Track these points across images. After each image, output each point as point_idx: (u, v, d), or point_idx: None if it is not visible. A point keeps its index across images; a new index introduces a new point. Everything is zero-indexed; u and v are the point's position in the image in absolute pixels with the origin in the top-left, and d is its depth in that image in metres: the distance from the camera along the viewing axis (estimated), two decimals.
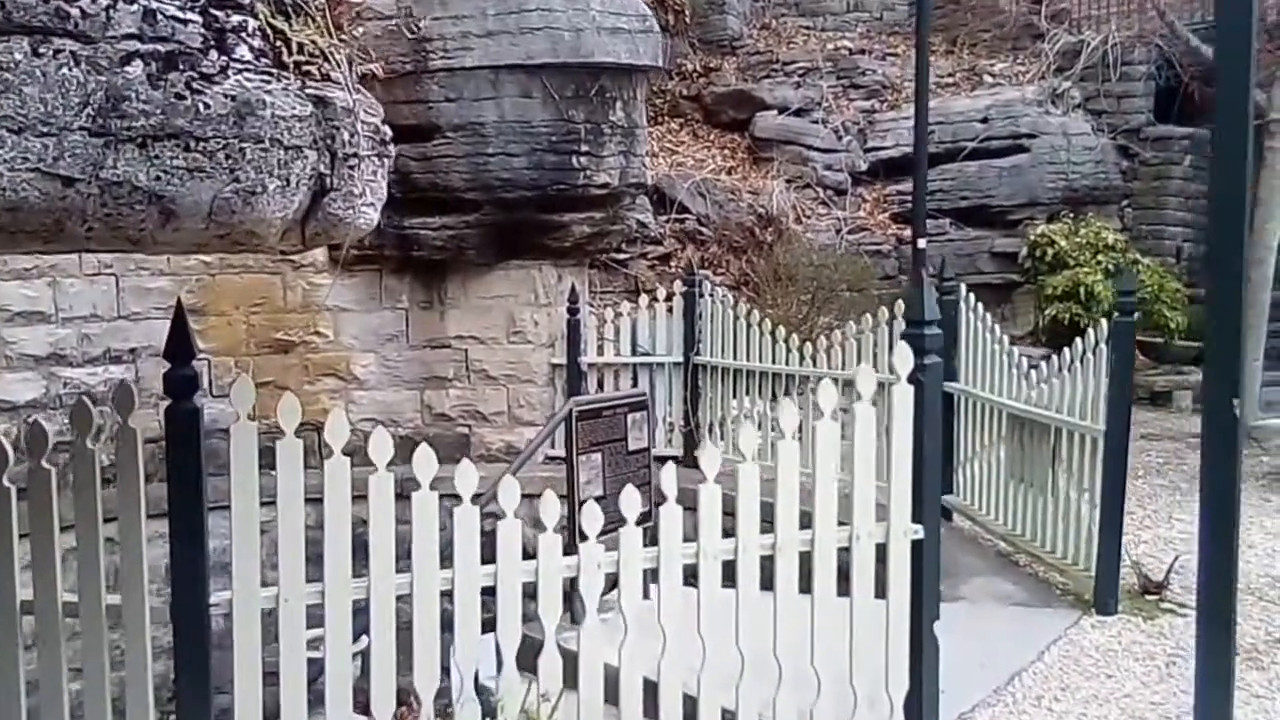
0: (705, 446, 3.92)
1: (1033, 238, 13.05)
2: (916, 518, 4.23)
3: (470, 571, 3.68)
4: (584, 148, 8.69)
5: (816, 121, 14.37)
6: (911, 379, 4.18)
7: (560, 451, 7.89)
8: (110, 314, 8.29)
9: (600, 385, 9.58)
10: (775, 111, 14.16)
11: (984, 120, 14.26)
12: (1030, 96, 14.65)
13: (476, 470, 3.67)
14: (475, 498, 3.66)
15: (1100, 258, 12.62)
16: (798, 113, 14.29)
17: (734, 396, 9.19)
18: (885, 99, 15.23)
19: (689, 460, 9.40)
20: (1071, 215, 13.50)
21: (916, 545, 4.23)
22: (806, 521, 4.08)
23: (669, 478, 3.84)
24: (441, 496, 3.62)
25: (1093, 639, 5.81)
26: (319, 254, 9.05)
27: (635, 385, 9.49)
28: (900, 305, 8.12)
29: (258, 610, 3.45)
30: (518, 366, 9.55)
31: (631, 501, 3.82)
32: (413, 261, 9.15)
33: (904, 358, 4.18)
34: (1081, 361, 6.39)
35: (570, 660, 3.86)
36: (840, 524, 4.15)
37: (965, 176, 13.95)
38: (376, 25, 8.61)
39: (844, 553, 4.17)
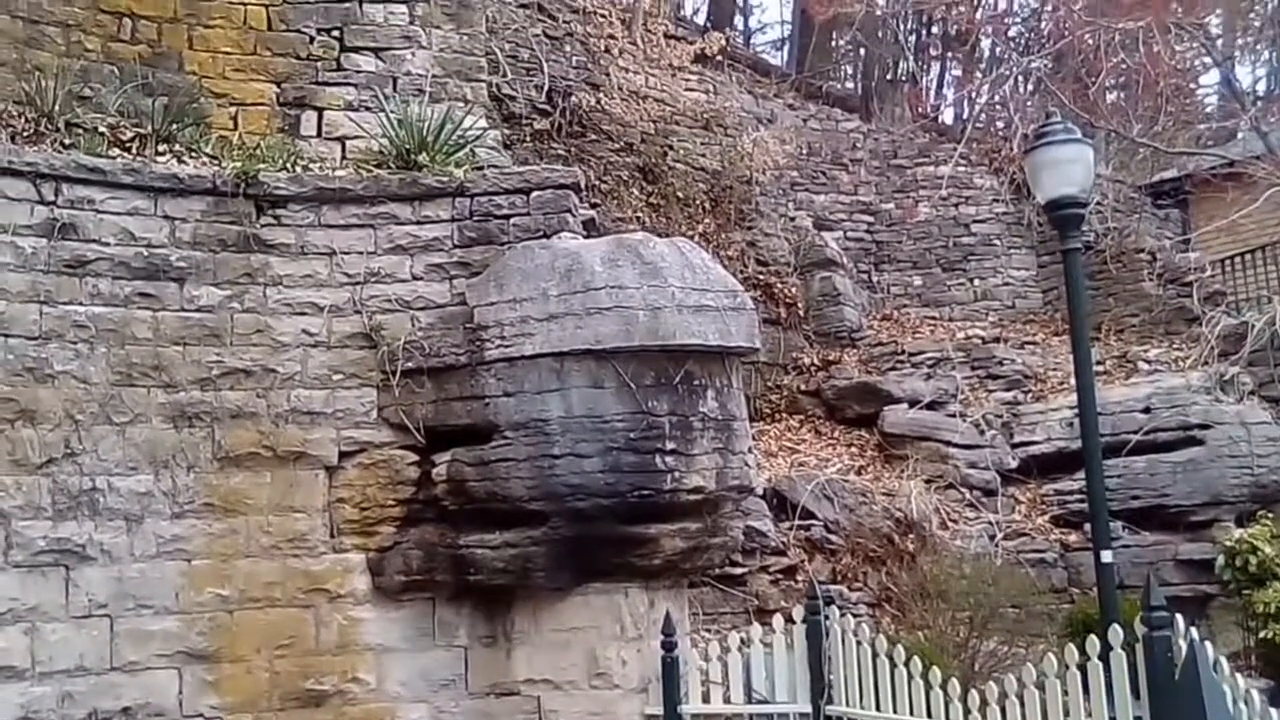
0: None
1: (1229, 544, 10.16)
2: None
3: None
4: (670, 445, 6.54)
5: (953, 415, 12.05)
6: None
7: None
8: (100, 665, 6.29)
9: None
10: (905, 405, 11.95)
11: (1146, 410, 11.79)
12: (1196, 383, 12.14)
13: None
14: None
15: None
16: (930, 406, 12.03)
17: None
18: (1029, 389, 12.90)
19: None
20: (1270, 516, 10.59)
21: None
22: None
23: None
24: None
25: None
26: (360, 581, 6.97)
27: None
28: (1092, 643, 5.45)
29: None
30: (603, 719, 7.04)
31: None
32: (471, 587, 6.94)
33: None
34: None
35: None
36: None
37: (1133, 473, 11.38)
38: (427, 315, 6.93)
39: None
